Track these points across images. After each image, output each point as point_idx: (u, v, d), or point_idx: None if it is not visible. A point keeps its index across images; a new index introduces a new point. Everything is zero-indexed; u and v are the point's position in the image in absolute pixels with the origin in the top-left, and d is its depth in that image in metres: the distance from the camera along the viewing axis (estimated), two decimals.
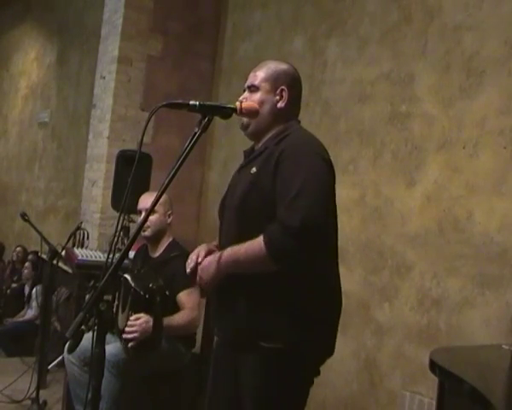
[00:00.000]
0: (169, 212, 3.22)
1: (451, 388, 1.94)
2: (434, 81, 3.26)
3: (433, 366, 2.00)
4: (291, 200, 1.74)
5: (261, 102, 1.97)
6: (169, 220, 3.22)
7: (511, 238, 2.80)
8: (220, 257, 1.84)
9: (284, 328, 1.83)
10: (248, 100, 1.98)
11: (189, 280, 3.03)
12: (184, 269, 3.18)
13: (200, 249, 1.97)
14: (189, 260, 1.96)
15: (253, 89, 2.00)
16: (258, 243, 1.76)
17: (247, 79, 2.04)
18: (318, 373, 1.97)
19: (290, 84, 2.01)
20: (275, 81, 2.00)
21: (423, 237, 3.19)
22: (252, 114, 1.82)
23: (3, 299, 6.39)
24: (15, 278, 6.50)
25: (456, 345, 2.86)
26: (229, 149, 4.82)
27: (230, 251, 1.83)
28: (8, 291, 6.39)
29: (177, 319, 2.96)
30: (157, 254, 3.21)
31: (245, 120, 1.99)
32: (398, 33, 3.50)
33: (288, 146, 1.88)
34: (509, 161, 2.86)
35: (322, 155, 1.89)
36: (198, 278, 1.91)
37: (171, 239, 3.24)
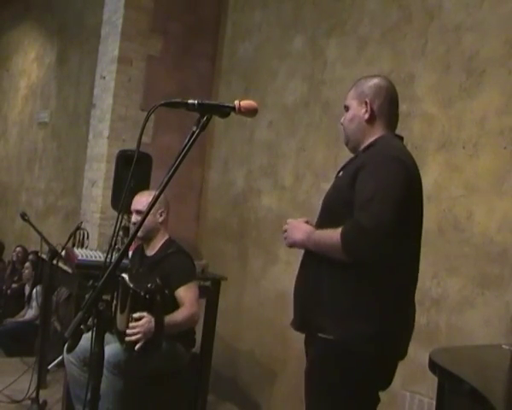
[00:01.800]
0: (160, 210, 3.19)
1: (451, 388, 1.94)
2: (434, 81, 3.25)
3: (433, 366, 2.00)
4: (366, 202, 1.89)
5: (351, 120, 2.17)
6: (160, 219, 3.19)
7: (511, 238, 2.80)
8: (312, 232, 2.07)
9: (338, 322, 1.96)
10: (344, 120, 2.19)
11: (187, 276, 3.07)
12: (181, 265, 3.20)
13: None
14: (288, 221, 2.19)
15: (346, 108, 2.19)
16: (337, 234, 1.92)
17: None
18: (383, 379, 2.10)
19: (373, 95, 2.14)
20: (360, 97, 2.15)
21: (423, 237, 3.17)
22: (251, 112, 1.81)
23: (3, 299, 6.39)
24: (15, 278, 6.49)
25: (456, 345, 2.86)
26: (228, 149, 4.82)
27: (319, 232, 2.05)
28: (9, 291, 6.39)
29: (177, 316, 2.95)
30: (153, 252, 3.21)
31: (344, 138, 2.20)
32: (398, 33, 3.50)
33: (370, 154, 2.05)
34: (509, 161, 2.85)
35: (400, 158, 2.01)
36: (285, 231, 2.14)
37: (166, 237, 3.23)
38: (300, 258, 2.18)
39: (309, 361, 2.09)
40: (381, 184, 1.92)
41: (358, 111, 2.14)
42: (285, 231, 2.15)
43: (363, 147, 2.13)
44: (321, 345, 2.00)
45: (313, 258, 2.07)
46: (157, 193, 1.66)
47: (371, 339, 1.96)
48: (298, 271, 2.17)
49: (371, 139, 2.12)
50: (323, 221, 2.10)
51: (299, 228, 2.11)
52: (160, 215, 3.19)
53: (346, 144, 2.21)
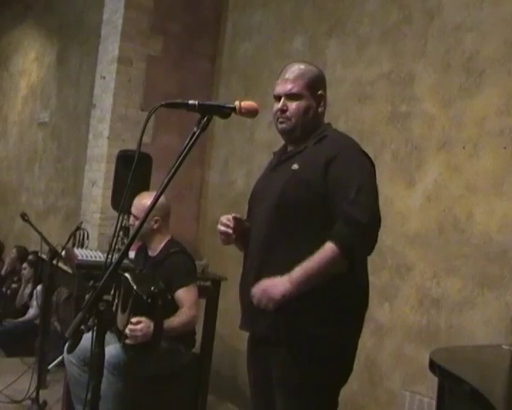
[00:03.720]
0: (155, 218, 3.14)
1: (451, 388, 1.94)
2: (434, 81, 3.26)
3: (433, 366, 2.00)
4: (355, 196, 1.87)
5: (307, 110, 2.08)
6: (155, 226, 3.16)
7: (511, 238, 2.80)
8: (291, 277, 1.87)
9: (310, 325, 1.92)
10: (290, 108, 2.07)
11: (187, 277, 3.07)
12: (182, 266, 3.21)
13: (229, 217, 2.07)
14: (223, 221, 2.06)
15: (294, 97, 2.08)
16: (327, 249, 1.84)
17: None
18: (350, 369, 2.10)
19: (324, 87, 2.15)
20: (313, 87, 2.10)
21: (423, 237, 3.19)
22: (251, 113, 1.81)
23: (3, 299, 6.39)
24: (15, 278, 6.49)
25: (456, 345, 2.86)
26: (228, 149, 4.82)
27: (301, 269, 1.87)
28: (8, 291, 6.38)
29: (177, 319, 2.97)
30: (155, 253, 3.21)
31: (287, 126, 2.08)
32: (398, 33, 3.50)
33: (336, 146, 2.02)
34: (509, 161, 2.86)
35: (367, 154, 2.07)
36: (261, 299, 1.90)
37: (168, 238, 3.24)
38: None
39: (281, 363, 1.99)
40: (363, 175, 1.95)
41: (312, 102, 2.10)
42: (255, 296, 1.92)
43: (312, 139, 2.08)
44: (309, 343, 1.94)
45: (270, 248, 1.97)
46: (158, 194, 1.66)
47: (356, 332, 2.02)
48: (249, 263, 2.09)
49: (318, 131, 2.11)
50: (284, 222, 1.96)
51: (273, 284, 1.89)
52: (155, 222, 3.15)
53: (290, 133, 2.10)
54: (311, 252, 1.87)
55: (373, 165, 2.07)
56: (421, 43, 3.35)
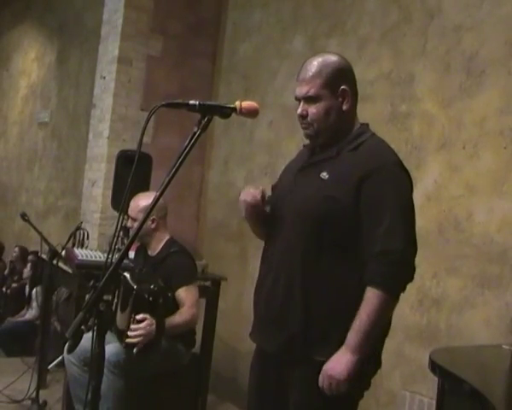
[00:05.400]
0: (152, 217, 3.12)
1: (451, 388, 1.94)
2: (434, 81, 3.26)
3: (433, 366, 2.01)
4: (388, 223, 1.75)
5: (328, 112, 1.88)
6: (153, 226, 3.15)
7: (511, 238, 2.80)
8: (349, 346, 1.75)
9: (337, 343, 1.79)
10: (309, 113, 1.89)
11: (188, 277, 3.08)
12: (183, 266, 3.20)
13: (256, 191, 1.89)
14: (252, 192, 1.89)
15: (313, 99, 1.88)
16: (372, 297, 1.73)
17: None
18: (369, 385, 1.92)
19: (347, 80, 1.90)
20: (332, 84, 1.87)
21: (423, 237, 3.16)
22: (252, 113, 1.81)
23: (3, 299, 6.39)
24: (16, 278, 6.50)
25: (456, 345, 2.86)
26: (228, 149, 4.82)
27: (354, 333, 1.75)
28: (8, 291, 6.39)
29: (178, 318, 2.98)
30: (155, 252, 3.22)
31: (311, 130, 1.91)
32: (398, 33, 3.50)
33: (373, 160, 1.84)
34: (509, 161, 2.86)
35: (403, 165, 1.90)
36: (331, 386, 1.76)
37: (167, 237, 3.24)
38: None
39: (300, 385, 1.85)
40: (399, 197, 1.80)
41: (334, 101, 1.88)
42: (325, 388, 1.77)
43: (346, 143, 1.89)
44: (314, 367, 1.79)
45: (297, 262, 1.85)
46: (158, 194, 1.65)
47: (378, 362, 1.90)
48: (272, 276, 1.94)
49: (353, 133, 1.92)
50: (316, 235, 1.82)
51: (333, 366, 1.75)
52: (152, 222, 3.15)
53: (314, 139, 1.93)
54: (341, 275, 1.81)
55: (411, 182, 1.91)
56: (421, 43, 3.35)
